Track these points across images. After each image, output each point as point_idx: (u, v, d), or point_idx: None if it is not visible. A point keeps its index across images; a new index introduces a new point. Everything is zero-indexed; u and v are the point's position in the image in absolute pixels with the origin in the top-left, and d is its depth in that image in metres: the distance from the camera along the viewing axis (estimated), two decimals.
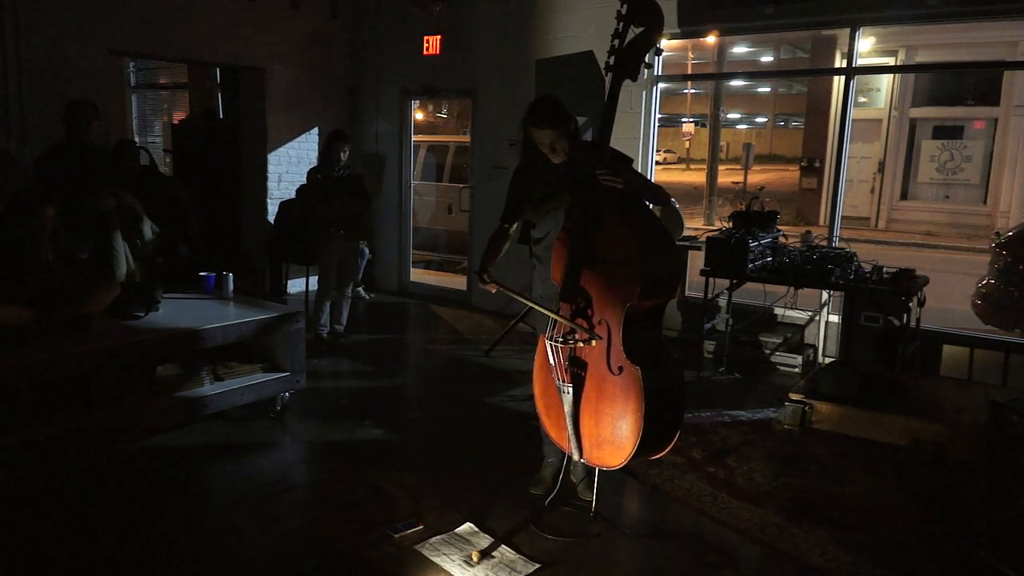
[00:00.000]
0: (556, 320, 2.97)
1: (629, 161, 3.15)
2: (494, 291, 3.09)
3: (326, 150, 5.75)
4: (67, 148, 4.84)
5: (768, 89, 24.98)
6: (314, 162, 7.00)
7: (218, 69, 8.15)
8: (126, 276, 4.58)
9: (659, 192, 3.20)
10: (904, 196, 15.32)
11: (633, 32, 2.92)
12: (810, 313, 5.85)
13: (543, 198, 3.14)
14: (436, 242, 10.52)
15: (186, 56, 6.87)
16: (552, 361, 3.01)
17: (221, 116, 8.25)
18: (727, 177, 17.47)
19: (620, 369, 2.84)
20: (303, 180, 6.24)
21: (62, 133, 4.98)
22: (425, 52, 7.41)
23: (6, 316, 3.39)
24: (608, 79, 2.94)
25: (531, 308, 3.09)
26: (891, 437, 4.12)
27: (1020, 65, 13.33)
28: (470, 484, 3.55)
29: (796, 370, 5.50)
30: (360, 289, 7.59)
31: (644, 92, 6.18)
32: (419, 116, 12.30)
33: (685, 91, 23.23)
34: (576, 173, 2.99)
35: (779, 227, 5.38)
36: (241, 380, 4.08)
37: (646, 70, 3.02)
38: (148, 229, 4.87)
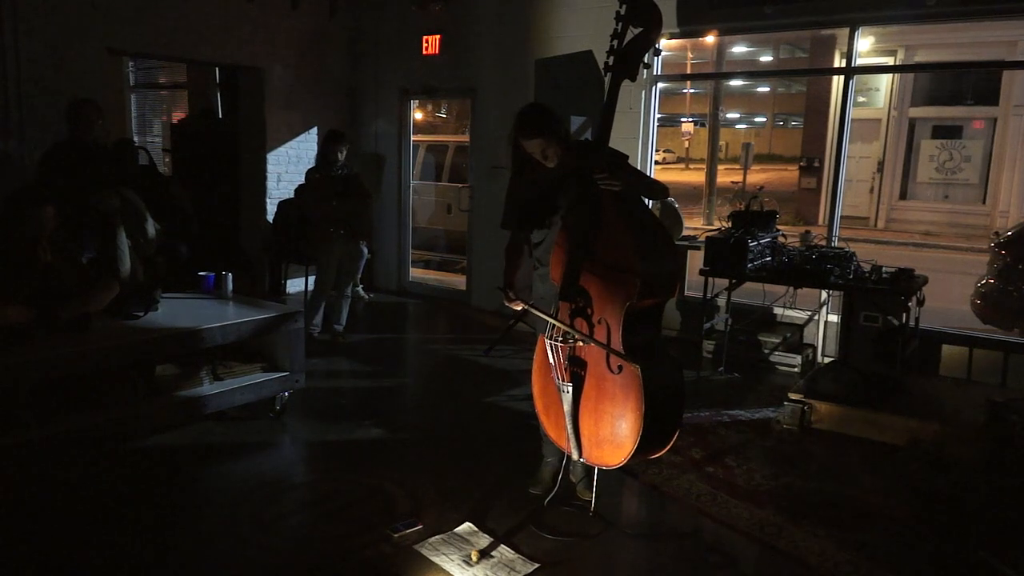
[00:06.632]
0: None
1: (624, 158, 3.13)
2: (519, 308, 3.08)
3: (323, 151, 5.75)
4: (70, 147, 4.83)
5: (767, 89, 25.00)
6: (313, 162, 7.00)
7: (217, 69, 8.15)
8: (130, 274, 4.57)
9: (657, 187, 3.20)
10: (903, 196, 15.34)
11: (632, 32, 2.92)
12: (809, 313, 5.85)
13: (547, 205, 3.13)
14: (435, 242, 10.52)
15: (185, 56, 6.86)
16: (552, 361, 3.01)
17: (220, 116, 8.25)
18: (726, 177, 17.44)
19: (620, 368, 2.84)
20: (302, 180, 6.24)
21: (64, 132, 4.98)
22: (424, 52, 7.41)
23: (6, 316, 3.39)
24: (607, 79, 2.94)
25: (531, 311, 3.09)
26: (890, 437, 4.13)
27: (1019, 65, 13.35)
28: (470, 484, 3.55)
29: (795, 370, 5.51)
30: (359, 289, 7.59)
31: (643, 92, 6.18)
32: (418, 116, 12.28)
33: (684, 91, 23.26)
34: (573, 175, 2.99)
35: (778, 227, 5.37)
36: (240, 380, 4.08)
37: (645, 70, 3.01)
38: (151, 228, 4.87)
